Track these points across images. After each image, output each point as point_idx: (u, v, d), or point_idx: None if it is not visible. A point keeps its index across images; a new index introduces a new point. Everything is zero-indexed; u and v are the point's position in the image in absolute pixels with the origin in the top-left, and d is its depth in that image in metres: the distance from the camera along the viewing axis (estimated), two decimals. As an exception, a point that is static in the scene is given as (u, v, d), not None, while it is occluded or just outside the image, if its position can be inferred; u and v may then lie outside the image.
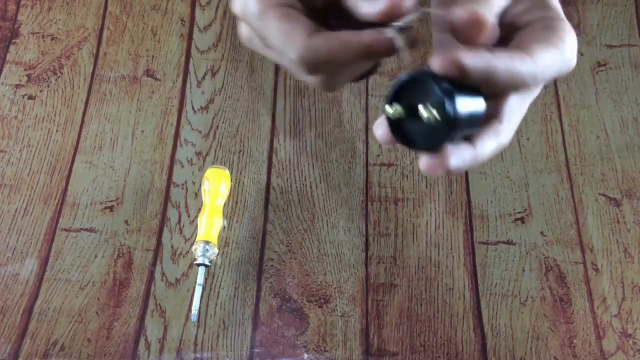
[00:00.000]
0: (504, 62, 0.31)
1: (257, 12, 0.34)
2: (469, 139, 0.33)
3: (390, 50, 0.31)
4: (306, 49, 0.33)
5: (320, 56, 0.33)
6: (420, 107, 0.30)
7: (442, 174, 0.33)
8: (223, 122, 0.71)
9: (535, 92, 0.37)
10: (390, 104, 0.32)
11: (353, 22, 0.34)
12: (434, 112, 0.30)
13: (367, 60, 0.35)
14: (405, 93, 0.32)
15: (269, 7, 0.34)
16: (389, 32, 0.31)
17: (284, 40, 0.34)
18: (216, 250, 0.62)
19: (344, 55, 0.32)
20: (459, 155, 0.32)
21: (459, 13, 0.32)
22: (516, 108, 0.35)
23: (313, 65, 0.33)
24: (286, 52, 0.34)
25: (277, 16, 0.34)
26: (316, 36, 0.33)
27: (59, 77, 0.74)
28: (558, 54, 0.34)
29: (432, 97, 0.30)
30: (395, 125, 0.32)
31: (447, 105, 0.30)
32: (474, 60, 0.30)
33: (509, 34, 0.37)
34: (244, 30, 0.37)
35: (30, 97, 0.73)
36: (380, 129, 0.34)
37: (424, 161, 0.32)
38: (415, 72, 0.31)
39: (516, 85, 0.33)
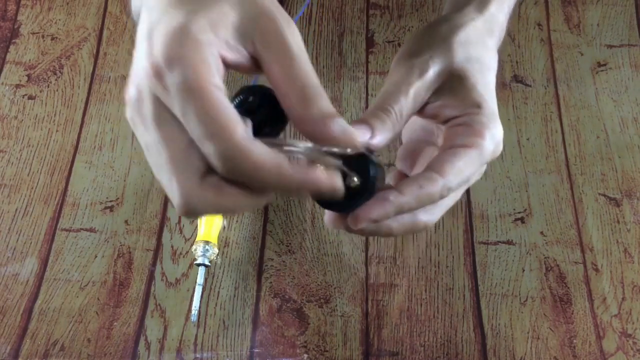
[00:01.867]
0: (412, 194, 0.36)
1: (191, 80, 0.29)
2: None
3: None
4: (190, 197, 0.30)
5: (202, 208, 0.31)
6: (344, 173, 0.34)
7: (339, 229, 0.37)
8: (223, 122, 0.71)
9: (470, 182, 0.39)
10: None
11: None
12: (356, 180, 0.34)
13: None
14: None
15: (208, 82, 0.30)
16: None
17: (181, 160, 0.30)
18: (216, 250, 0.62)
19: (234, 206, 0.32)
20: (363, 220, 0.36)
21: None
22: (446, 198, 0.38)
23: (191, 213, 0.31)
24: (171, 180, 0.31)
25: (212, 103, 0.29)
26: (206, 185, 0.31)
27: (59, 77, 0.74)
28: (476, 154, 0.38)
29: (356, 166, 0.34)
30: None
31: (370, 174, 0.35)
32: (380, 212, 0.35)
33: (434, 122, 0.41)
34: (138, 88, 0.31)
35: (30, 97, 0.73)
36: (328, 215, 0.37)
37: (328, 218, 0.37)
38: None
39: (430, 202, 0.37)
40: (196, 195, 0.30)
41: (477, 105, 0.39)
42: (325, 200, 0.36)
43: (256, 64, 0.33)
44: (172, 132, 0.30)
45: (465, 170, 0.37)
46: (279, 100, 0.32)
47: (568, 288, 0.62)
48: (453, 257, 0.64)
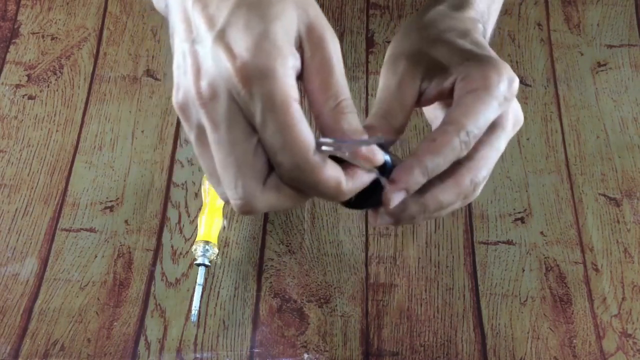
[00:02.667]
0: (428, 151, 0.36)
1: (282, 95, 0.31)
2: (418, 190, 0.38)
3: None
4: (253, 197, 0.32)
5: (262, 207, 0.33)
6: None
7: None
8: (223, 122, 0.71)
9: (507, 129, 0.39)
10: None
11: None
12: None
13: None
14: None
15: (292, 98, 0.31)
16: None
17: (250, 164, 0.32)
18: (216, 250, 0.62)
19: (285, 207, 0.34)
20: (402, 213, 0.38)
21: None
22: (482, 149, 0.38)
23: (250, 212, 0.33)
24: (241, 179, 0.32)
25: (294, 118, 0.31)
26: (270, 189, 0.33)
27: (59, 77, 0.74)
28: (483, 93, 0.37)
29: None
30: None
31: (388, 163, 0.35)
32: (408, 178, 0.36)
33: (445, 102, 0.41)
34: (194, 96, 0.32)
35: (30, 97, 0.73)
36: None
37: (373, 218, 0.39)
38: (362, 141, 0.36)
39: (454, 153, 0.36)
40: (258, 197, 0.32)
41: (466, 59, 0.38)
42: (355, 202, 0.36)
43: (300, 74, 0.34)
44: (243, 135, 0.31)
45: (477, 111, 0.36)
46: (312, 111, 0.33)
47: (568, 288, 0.62)
48: (453, 257, 0.64)
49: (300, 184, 0.33)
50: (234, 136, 0.31)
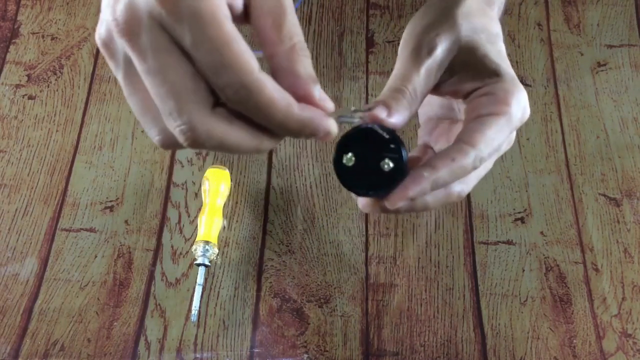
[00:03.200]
0: (445, 168, 0.36)
1: (199, 10, 0.28)
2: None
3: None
4: (201, 124, 0.30)
5: (210, 138, 0.30)
6: (376, 157, 0.35)
7: (376, 212, 0.38)
8: (223, 122, 0.71)
9: (501, 151, 0.39)
10: (343, 154, 0.36)
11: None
12: (391, 163, 0.35)
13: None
14: (354, 144, 0.36)
15: (223, 14, 0.29)
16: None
17: (191, 86, 0.30)
18: (216, 250, 0.62)
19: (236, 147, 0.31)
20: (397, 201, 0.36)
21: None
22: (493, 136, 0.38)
23: (197, 143, 0.31)
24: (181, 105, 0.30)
25: (229, 34, 0.29)
26: (218, 116, 0.30)
27: (59, 77, 0.74)
28: (504, 121, 0.37)
29: (387, 149, 0.35)
30: (344, 173, 0.37)
31: (404, 156, 0.35)
32: (417, 190, 0.35)
33: (454, 99, 0.41)
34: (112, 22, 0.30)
35: (30, 97, 0.73)
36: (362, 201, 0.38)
37: (362, 202, 0.37)
38: (363, 126, 0.36)
39: (463, 174, 0.37)
40: (206, 124, 0.30)
41: (495, 74, 0.38)
42: (361, 187, 0.36)
43: (245, 14, 0.32)
44: (175, 60, 0.29)
45: (495, 138, 0.37)
46: (265, 53, 0.32)
47: (568, 288, 0.62)
48: (453, 257, 0.64)
49: (248, 109, 0.30)
50: (165, 62, 0.29)
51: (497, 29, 0.41)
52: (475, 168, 0.37)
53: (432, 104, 0.44)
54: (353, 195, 0.38)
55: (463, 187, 0.38)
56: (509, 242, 0.65)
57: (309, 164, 0.69)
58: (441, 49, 0.38)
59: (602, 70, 0.75)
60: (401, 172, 0.36)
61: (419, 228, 0.65)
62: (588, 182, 0.68)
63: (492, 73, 0.38)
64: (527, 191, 0.67)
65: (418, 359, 0.59)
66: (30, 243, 0.64)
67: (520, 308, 0.61)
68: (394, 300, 0.62)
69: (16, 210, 0.66)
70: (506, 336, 0.60)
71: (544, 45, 0.76)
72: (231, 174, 0.67)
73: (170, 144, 0.32)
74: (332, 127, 0.32)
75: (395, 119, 0.37)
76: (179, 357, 0.59)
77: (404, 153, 0.35)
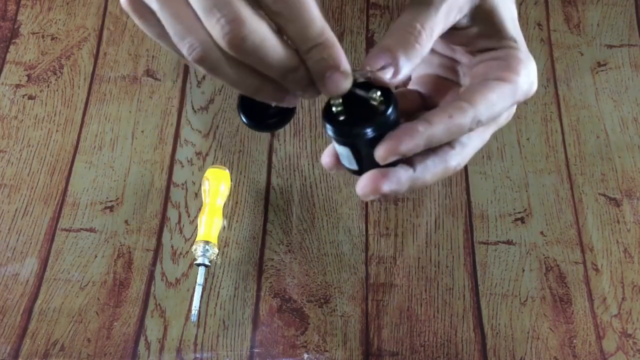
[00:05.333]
0: (441, 124, 0.33)
1: None
2: (410, 162, 0.35)
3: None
4: (246, 23, 0.29)
5: (255, 39, 0.29)
6: (364, 91, 0.33)
7: (376, 197, 0.35)
8: (223, 122, 0.71)
9: (500, 122, 0.38)
10: (332, 105, 0.34)
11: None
12: (379, 93, 0.33)
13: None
14: (343, 97, 0.34)
15: None
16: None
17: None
18: (216, 250, 0.62)
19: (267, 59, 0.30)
20: (393, 179, 0.34)
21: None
22: (474, 136, 0.36)
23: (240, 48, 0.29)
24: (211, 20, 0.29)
25: None
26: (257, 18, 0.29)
27: (59, 77, 0.74)
28: (509, 89, 0.36)
29: (375, 88, 0.33)
30: (334, 122, 0.34)
31: (392, 91, 0.33)
32: (410, 144, 0.33)
33: (464, 51, 0.39)
34: None
35: (30, 97, 0.73)
36: (327, 157, 0.36)
37: (360, 184, 0.34)
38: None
39: (459, 133, 0.34)
40: (250, 17, 0.29)
41: (514, 40, 0.37)
42: (351, 132, 0.34)
43: None
44: (179, 5, 0.29)
45: (496, 104, 0.35)
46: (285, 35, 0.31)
47: (568, 288, 0.62)
48: (453, 257, 0.64)
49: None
50: (172, 8, 0.29)
51: (513, 5, 0.39)
52: (470, 130, 0.35)
53: (432, 63, 0.41)
54: (353, 192, 0.37)
55: (459, 160, 0.36)
56: (509, 242, 0.65)
57: (309, 164, 0.69)
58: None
59: (602, 70, 0.75)
60: (389, 100, 0.33)
61: (419, 228, 0.65)
62: (588, 182, 0.68)
63: (511, 37, 0.37)
64: (527, 191, 0.67)
65: (418, 359, 0.59)
66: (30, 243, 0.64)
67: (520, 308, 0.61)
68: (393, 300, 0.62)
69: (16, 210, 0.66)
70: (506, 336, 0.60)
71: (544, 45, 0.76)
72: (231, 174, 0.67)
73: (204, 50, 0.30)
74: (348, 68, 0.32)
75: (402, 74, 0.34)
76: (179, 357, 0.59)
77: (392, 97, 0.33)
